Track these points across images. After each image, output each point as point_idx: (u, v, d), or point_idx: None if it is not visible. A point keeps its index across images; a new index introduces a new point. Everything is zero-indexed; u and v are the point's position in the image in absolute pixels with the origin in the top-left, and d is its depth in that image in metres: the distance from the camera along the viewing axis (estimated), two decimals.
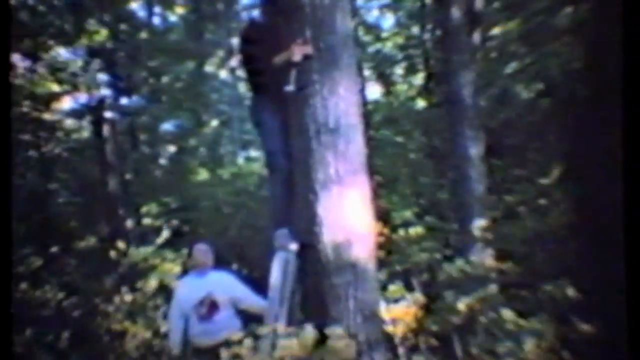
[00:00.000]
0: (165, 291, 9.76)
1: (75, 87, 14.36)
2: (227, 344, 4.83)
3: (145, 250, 10.80)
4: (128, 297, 9.43)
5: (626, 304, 3.33)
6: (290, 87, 5.34)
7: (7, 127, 3.69)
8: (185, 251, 9.87)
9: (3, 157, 3.69)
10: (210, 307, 6.72)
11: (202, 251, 7.04)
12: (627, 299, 3.33)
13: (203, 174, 17.21)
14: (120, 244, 10.39)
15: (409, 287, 6.44)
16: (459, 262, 6.68)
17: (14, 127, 12.65)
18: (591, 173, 4.04)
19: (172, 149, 19.47)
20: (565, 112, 5.36)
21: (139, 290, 9.71)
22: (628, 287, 3.33)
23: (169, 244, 12.20)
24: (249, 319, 6.50)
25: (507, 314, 5.29)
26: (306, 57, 5.28)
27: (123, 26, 16.04)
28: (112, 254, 10.31)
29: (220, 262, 7.27)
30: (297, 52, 5.28)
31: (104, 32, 14.98)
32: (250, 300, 6.74)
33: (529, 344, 4.99)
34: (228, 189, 14.82)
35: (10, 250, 3.70)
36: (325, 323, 4.89)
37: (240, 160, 17.85)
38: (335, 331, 4.64)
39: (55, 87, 13.94)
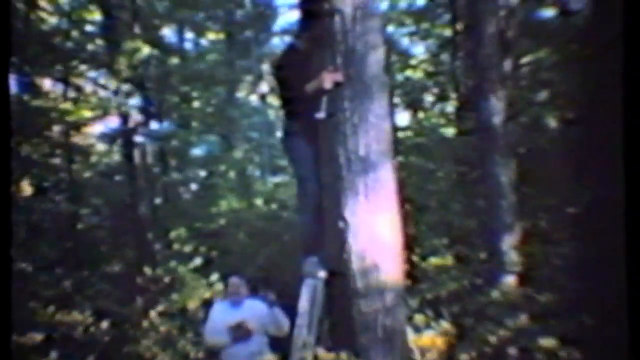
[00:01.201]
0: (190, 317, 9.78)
1: (106, 112, 14.46)
2: None
3: (178, 271, 10.82)
4: (157, 322, 9.45)
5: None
6: (321, 114, 5.35)
7: (7, 133, 3.71)
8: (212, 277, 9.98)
9: (3, 163, 3.71)
10: (244, 333, 6.80)
11: (237, 284, 7.21)
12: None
13: (232, 201, 17.23)
14: (148, 269, 10.41)
15: (438, 316, 6.40)
16: (491, 293, 6.64)
17: (44, 151, 12.79)
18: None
19: (201, 174, 19.54)
20: (592, 141, 5.33)
21: (166, 315, 9.73)
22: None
23: (197, 270, 12.20)
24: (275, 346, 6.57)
25: (539, 343, 5.24)
26: (337, 85, 5.28)
27: (154, 52, 16.17)
28: (140, 278, 10.35)
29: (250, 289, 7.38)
30: (328, 80, 5.29)
31: (135, 57, 15.08)
32: (278, 324, 6.81)
33: None
34: (257, 215, 14.84)
35: (9, 251, 3.72)
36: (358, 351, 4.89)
37: (270, 186, 17.86)
38: None
39: (86, 112, 14.05)
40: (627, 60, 3.50)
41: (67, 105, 13.33)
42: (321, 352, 4.84)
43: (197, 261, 10.91)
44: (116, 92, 14.53)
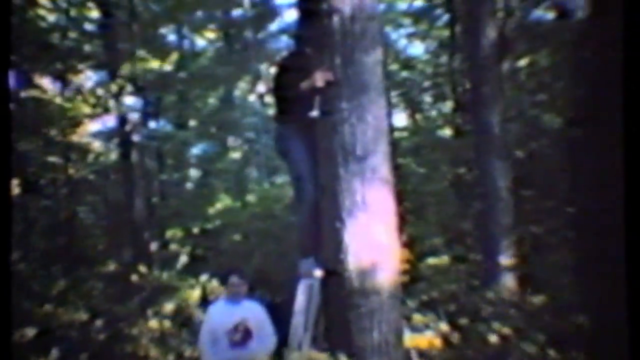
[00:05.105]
0: (185, 316, 9.76)
1: (104, 111, 14.43)
2: None
3: (168, 274, 10.78)
4: (152, 321, 9.42)
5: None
6: (314, 113, 5.35)
7: (7, 133, 3.70)
8: (204, 277, 9.93)
9: (3, 163, 3.70)
10: (244, 333, 6.69)
11: (238, 282, 7.04)
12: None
13: (228, 200, 17.21)
14: (144, 268, 10.39)
15: (435, 316, 6.39)
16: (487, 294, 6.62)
17: (42, 149, 12.76)
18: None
19: (198, 173, 19.54)
20: (591, 143, 5.33)
21: (161, 314, 9.70)
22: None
23: (189, 269, 12.15)
24: None
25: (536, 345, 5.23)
26: (329, 84, 5.28)
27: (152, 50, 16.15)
28: (135, 277, 10.31)
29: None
30: (320, 78, 5.30)
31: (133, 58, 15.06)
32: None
33: None
34: (253, 215, 14.82)
35: (9, 253, 3.70)
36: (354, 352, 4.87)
37: (266, 186, 17.84)
38: None
39: (84, 110, 14.01)
40: (627, 62, 3.49)
41: (65, 103, 13.28)
42: (315, 353, 4.83)
43: (184, 259, 10.85)
44: (116, 95, 14.49)
